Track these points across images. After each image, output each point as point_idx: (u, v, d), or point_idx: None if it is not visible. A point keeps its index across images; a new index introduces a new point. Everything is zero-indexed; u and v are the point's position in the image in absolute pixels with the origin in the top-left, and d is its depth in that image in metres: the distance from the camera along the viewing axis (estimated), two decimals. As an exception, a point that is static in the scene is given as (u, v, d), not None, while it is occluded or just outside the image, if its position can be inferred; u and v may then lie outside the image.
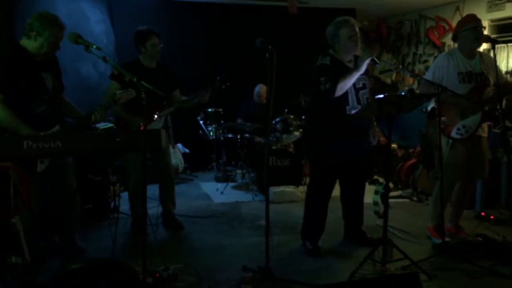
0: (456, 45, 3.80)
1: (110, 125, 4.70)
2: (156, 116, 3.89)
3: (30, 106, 2.84)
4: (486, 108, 3.60)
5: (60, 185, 3.06)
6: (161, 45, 3.94)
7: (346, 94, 3.45)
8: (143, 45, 3.89)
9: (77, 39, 2.79)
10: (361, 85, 3.54)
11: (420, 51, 7.04)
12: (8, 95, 2.76)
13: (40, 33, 2.83)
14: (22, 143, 2.35)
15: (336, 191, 3.78)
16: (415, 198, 5.38)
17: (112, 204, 4.54)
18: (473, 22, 3.64)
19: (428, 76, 3.74)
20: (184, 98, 4.09)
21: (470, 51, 3.69)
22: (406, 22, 7.27)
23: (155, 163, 4.12)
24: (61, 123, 3.01)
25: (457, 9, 6.20)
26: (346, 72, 3.43)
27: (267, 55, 2.90)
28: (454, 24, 6.12)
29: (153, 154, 3.96)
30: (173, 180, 4.37)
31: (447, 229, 3.84)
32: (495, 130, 4.71)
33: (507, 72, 5.31)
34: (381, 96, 3.07)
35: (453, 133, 3.65)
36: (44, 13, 2.90)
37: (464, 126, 3.62)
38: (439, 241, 3.62)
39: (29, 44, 2.86)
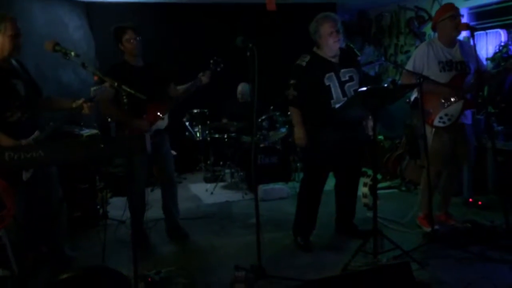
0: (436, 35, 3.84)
1: (95, 131, 4.65)
2: (160, 115, 3.79)
3: (4, 115, 2.79)
4: (468, 96, 3.65)
5: (46, 194, 3.01)
6: (138, 38, 3.74)
7: (328, 88, 3.47)
8: (121, 42, 3.74)
9: (55, 46, 2.75)
10: (347, 78, 3.54)
11: (401, 41, 7.09)
12: None
13: None
14: (4, 155, 2.31)
15: (327, 186, 3.79)
16: (403, 188, 5.43)
17: (101, 210, 4.50)
18: (450, 11, 3.67)
19: (409, 66, 3.76)
20: (182, 87, 4.00)
21: (449, 40, 3.73)
22: (386, 14, 7.31)
23: (156, 167, 4.01)
24: (40, 128, 2.96)
25: (436, -2, 6.25)
26: (329, 67, 3.47)
27: (248, 53, 2.90)
28: (433, 13, 6.17)
29: (154, 158, 3.81)
30: (175, 185, 4.21)
31: (436, 217, 3.88)
32: (478, 117, 4.76)
33: (487, 59, 5.37)
34: (364, 88, 3.07)
35: (436, 122, 3.68)
36: None
37: (446, 115, 3.66)
38: (429, 229, 3.65)
39: None
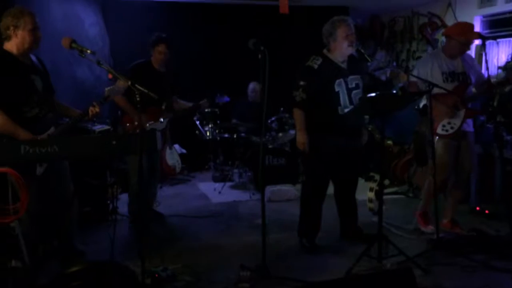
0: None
1: (107, 127, 4.72)
2: (162, 120, 4.11)
3: (22, 110, 2.84)
4: (469, 105, 3.75)
5: (58, 188, 3.07)
6: (168, 52, 4.13)
7: (337, 94, 3.49)
8: (153, 49, 4.13)
9: (71, 43, 2.81)
10: (353, 85, 3.56)
11: (413, 47, 7.08)
12: (0, 101, 2.77)
13: (17, 25, 2.80)
14: (20, 148, 2.37)
15: (331, 189, 3.82)
16: (410, 194, 5.43)
17: (111, 206, 4.56)
18: (467, 38, 3.75)
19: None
20: (182, 103, 4.47)
21: (453, 56, 3.84)
22: (399, 18, 7.31)
23: (148, 162, 4.15)
24: (55, 124, 3.02)
25: (449, 5, 6.23)
26: (339, 73, 3.48)
27: (259, 56, 2.93)
28: (446, 20, 6.18)
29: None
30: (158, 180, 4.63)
31: (442, 225, 3.90)
32: (488, 125, 4.76)
33: (499, 68, 5.36)
34: (373, 94, 3.10)
35: (439, 130, 3.76)
36: (10, 9, 2.87)
37: (449, 123, 3.75)
38: (425, 229, 3.83)
39: (13, 45, 2.84)
